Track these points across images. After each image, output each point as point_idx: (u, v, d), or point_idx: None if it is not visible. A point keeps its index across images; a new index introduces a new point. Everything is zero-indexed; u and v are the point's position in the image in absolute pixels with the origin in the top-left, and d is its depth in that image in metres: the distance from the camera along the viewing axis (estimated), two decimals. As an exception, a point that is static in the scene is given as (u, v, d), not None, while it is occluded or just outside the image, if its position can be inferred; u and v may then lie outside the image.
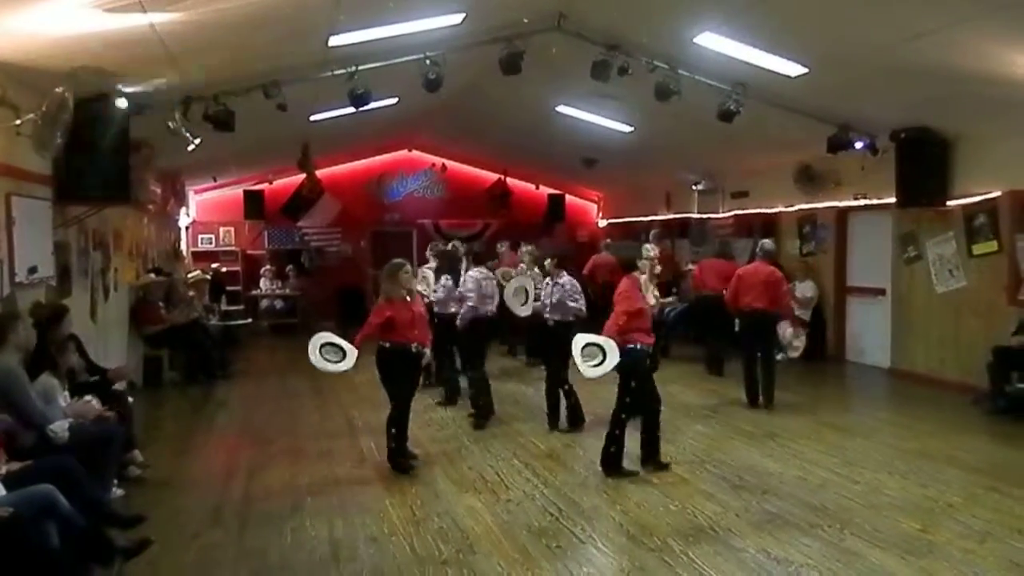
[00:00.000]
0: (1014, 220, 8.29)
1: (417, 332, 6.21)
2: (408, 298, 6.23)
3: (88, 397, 5.47)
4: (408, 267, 6.35)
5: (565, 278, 7.44)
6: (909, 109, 8.31)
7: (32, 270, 6.00)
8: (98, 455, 5.00)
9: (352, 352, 6.12)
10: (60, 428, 4.83)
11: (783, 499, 5.45)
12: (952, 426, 7.42)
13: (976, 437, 7.10)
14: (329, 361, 6.12)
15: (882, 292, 10.28)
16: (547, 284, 7.59)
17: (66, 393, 5.37)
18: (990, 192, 8.46)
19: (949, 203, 8.89)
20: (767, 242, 8.88)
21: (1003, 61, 6.38)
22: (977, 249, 8.71)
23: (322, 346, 6.15)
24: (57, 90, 5.34)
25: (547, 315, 7.47)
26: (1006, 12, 5.64)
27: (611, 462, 6.02)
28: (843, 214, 10.90)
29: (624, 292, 6.06)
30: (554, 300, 7.36)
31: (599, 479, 5.95)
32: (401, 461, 6.22)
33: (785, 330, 9.44)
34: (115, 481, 5.48)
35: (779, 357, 11.01)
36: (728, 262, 10.51)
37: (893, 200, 9.29)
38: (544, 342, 7.79)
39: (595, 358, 5.82)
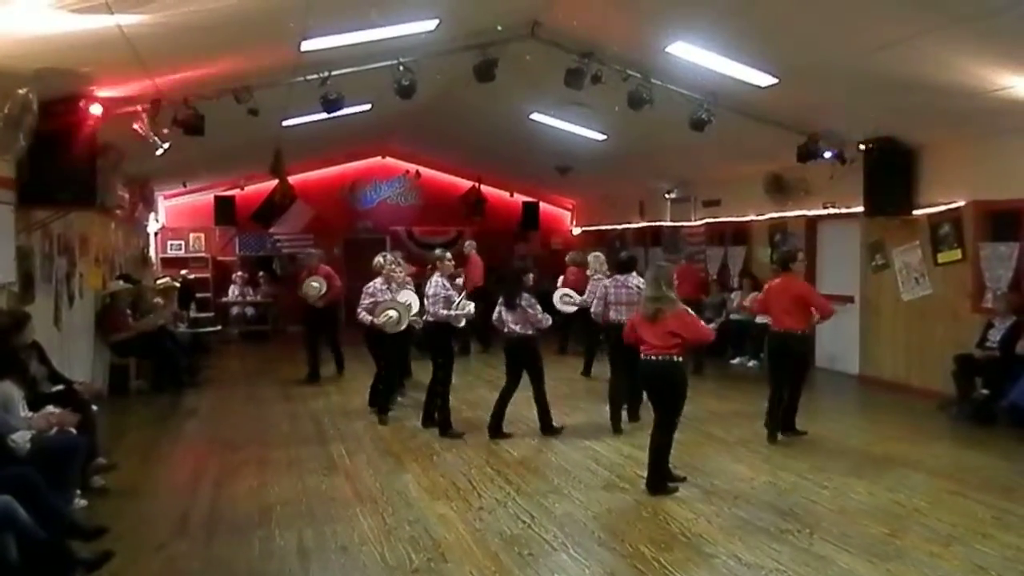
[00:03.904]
0: (977, 229, 8.47)
1: None
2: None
3: (50, 408, 5.33)
4: None
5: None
6: (876, 119, 8.45)
7: (-7, 276, 5.86)
8: (60, 466, 4.88)
9: None
10: (21, 439, 4.69)
11: (754, 505, 5.49)
12: (919, 432, 7.53)
13: (942, 442, 7.21)
14: None
15: (851, 300, 10.40)
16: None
17: (24, 403, 5.22)
18: (954, 201, 8.62)
19: (915, 212, 9.04)
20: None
21: (966, 72, 6.52)
22: (942, 257, 8.87)
23: None
24: (20, 91, 5.23)
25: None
26: (968, 24, 5.76)
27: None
28: (812, 223, 11.04)
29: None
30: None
31: (572, 486, 5.95)
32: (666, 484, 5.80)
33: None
34: (78, 492, 5.35)
35: (750, 364, 11.18)
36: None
37: (861, 209, 9.44)
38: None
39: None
